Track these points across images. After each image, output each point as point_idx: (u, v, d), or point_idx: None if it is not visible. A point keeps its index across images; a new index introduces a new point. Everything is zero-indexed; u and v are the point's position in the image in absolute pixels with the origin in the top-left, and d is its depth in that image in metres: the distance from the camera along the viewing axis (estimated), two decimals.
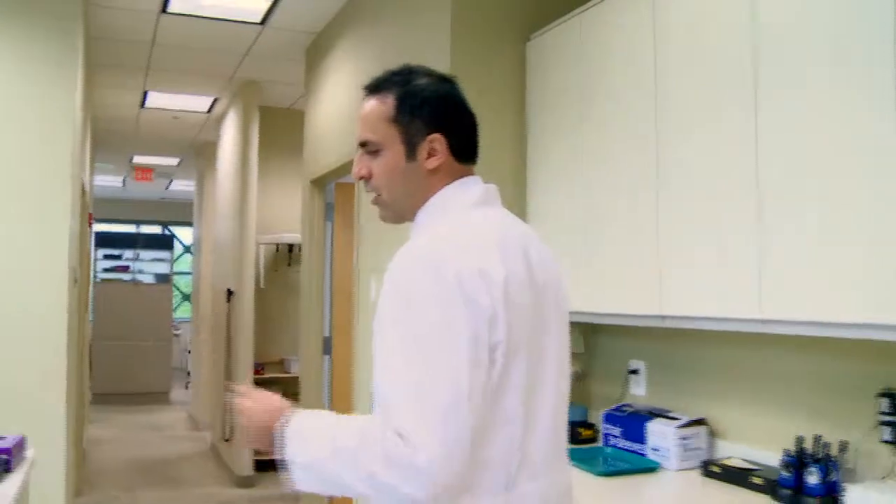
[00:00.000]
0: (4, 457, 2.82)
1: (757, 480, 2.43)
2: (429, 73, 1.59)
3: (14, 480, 2.78)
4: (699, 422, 2.82)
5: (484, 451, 1.37)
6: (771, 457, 2.53)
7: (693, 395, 2.94)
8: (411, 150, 1.53)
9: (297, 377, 6.68)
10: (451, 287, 1.34)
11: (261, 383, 7.09)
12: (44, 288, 3.98)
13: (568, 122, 3.14)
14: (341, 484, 1.36)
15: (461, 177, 1.57)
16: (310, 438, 1.40)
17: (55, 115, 4.08)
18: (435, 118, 1.53)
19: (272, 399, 1.51)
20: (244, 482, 6.62)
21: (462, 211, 1.53)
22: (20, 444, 3.02)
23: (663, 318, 2.61)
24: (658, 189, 2.61)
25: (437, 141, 1.53)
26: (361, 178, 1.58)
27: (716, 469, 2.61)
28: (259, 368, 7.10)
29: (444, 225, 1.49)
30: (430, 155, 1.53)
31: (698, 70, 2.47)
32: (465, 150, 1.58)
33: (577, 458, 2.83)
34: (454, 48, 3.41)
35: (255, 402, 1.50)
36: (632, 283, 2.74)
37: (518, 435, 1.42)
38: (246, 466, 6.66)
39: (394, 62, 4.01)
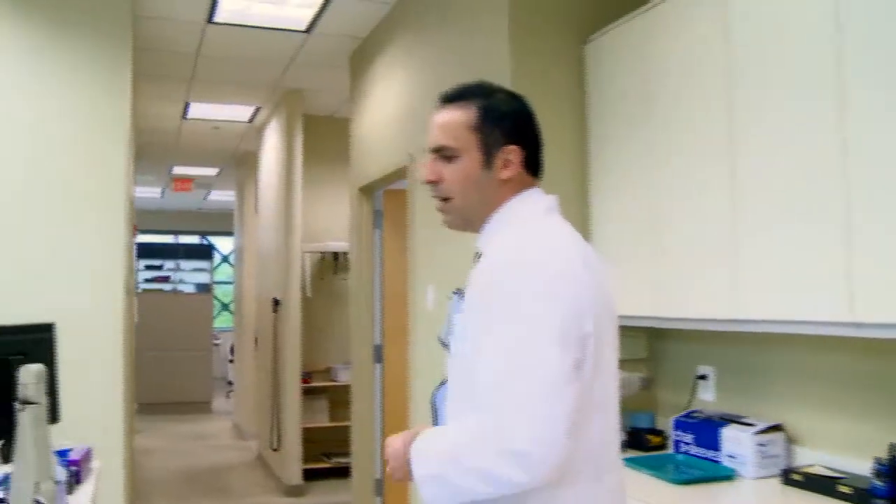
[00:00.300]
0: (74, 468, 2.83)
1: (845, 489, 2.35)
2: (503, 90, 1.70)
3: (85, 491, 2.79)
4: (776, 427, 2.75)
5: (579, 440, 1.43)
6: (857, 465, 2.45)
7: (766, 400, 2.87)
8: (488, 160, 1.61)
9: (344, 385, 6.69)
10: (544, 285, 1.44)
11: (308, 392, 7.10)
12: (101, 299, 4.00)
13: (630, 125, 3.08)
14: (465, 490, 1.41)
15: (528, 188, 1.65)
16: (430, 453, 1.48)
17: (108, 127, 4.11)
18: (513, 131, 1.62)
19: (401, 434, 1.58)
20: (293, 491, 6.61)
21: (536, 219, 1.61)
22: (87, 455, 3.03)
23: (739, 321, 2.54)
24: (732, 191, 2.55)
25: (513, 153, 1.61)
26: (431, 182, 1.64)
27: (797, 477, 2.53)
28: (306, 377, 7.10)
29: (525, 229, 1.57)
30: (504, 166, 1.61)
31: (775, 70, 2.40)
32: (534, 164, 1.67)
33: (649, 466, 2.78)
34: (513, 51, 3.37)
35: (389, 439, 1.58)
36: (703, 287, 2.68)
37: (604, 426, 1.53)
38: (295, 476, 6.65)
39: (452, 67, 4.03)
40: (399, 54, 4.79)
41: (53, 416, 2.63)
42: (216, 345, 13.66)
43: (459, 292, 1.64)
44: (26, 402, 2.29)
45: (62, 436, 3.10)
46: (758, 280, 2.46)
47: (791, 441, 2.73)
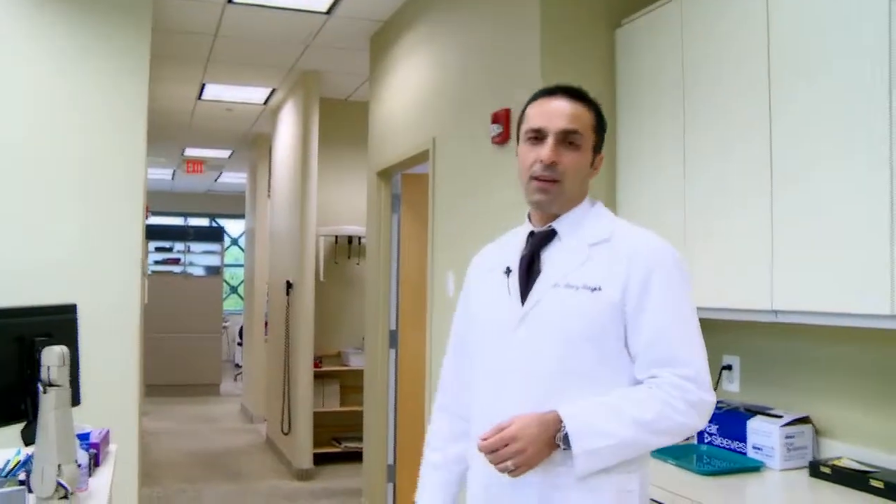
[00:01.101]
0: (94, 451, 2.81)
1: (877, 484, 2.31)
2: None
3: (104, 473, 2.77)
4: (804, 419, 2.71)
5: None
6: (888, 459, 2.41)
7: (792, 391, 2.83)
8: (592, 159, 1.82)
9: (356, 370, 6.68)
10: (690, 281, 1.79)
11: (319, 376, 7.08)
12: (120, 280, 3.98)
13: (665, 113, 3.03)
14: (645, 446, 1.69)
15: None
16: (601, 428, 1.64)
17: (127, 108, 4.08)
18: (603, 142, 1.85)
19: (525, 419, 1.65)
20: (304, 475, 6.61)
21: (615, 217, 1.89)
22: (106, 438, 3.02)
23: (776, 313, 2.50)
24: (771, 181, 2.50)
25: (600, 160, 1.85)
26: (552, 163, 1.75)
27: (826, 470, 2.50)
28: (317, 361, 7.08)
29: (637, 227, 1.84)
30: (595, 168, 1.85)
31: (817, 56, 2.35)
32: None
33: (673, 456, 2.75)
34: (543, 36, 3.31)
35: (514, 428, 1.64)
36: (740, 278, 2.63)
37: None
38: (305, 460, 6.65)
39: (479, 52, 3.97)
40: (422, 38, 4.73)
41: (76, 398, 2.60)
42: (225, 327, 13.67)
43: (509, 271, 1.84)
44: (50, 385, 2.27)
45: (82, 418, 3.09)
46: (794, 271, 2.42)
47: (819, 433, 2.70)
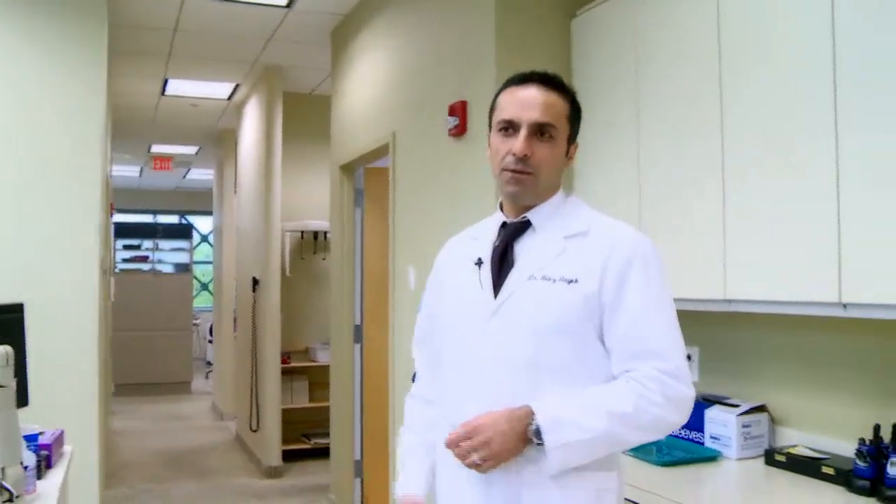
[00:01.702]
0: (45, 452, 2.76)
1: (828, 470, 2.33)
2: None
3: (56, 475, 2.72)
4: (760, 408, 2.72)
5: None
6: (840, 446, 2.43)
7: (749, 380, 2.84)
8: (567, 149, 1.77)
9: (324, 366, 6.63)
10: (666, 274, 1.74)
11: (287, 372, 7.04)
12: (74, 279, 3.92)
13: (619, 103, 3.02)
14: (620, 441, 1.64)
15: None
16: (574, 421, 1.58)
17: (83, 105, 4.01)
18: (578, 131, 1.80)
19: (493, 413, 1.61)
20: (273, 472, 6.57)
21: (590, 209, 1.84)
22: (59, 439, 2.97)
23: (729, 301, 2.50)
24: (723, 169, 2.50)
25: (575, 149, 1.81)
26: (526, 156, 1.70)
27: (780, 458, 2.51)
28: (285, 357, 7.03)
29: (613, 220, 1.79)
30: (570, 158, 1.80)
31: (766, 44, 2.35)
32: None
33: (633, 449, 2.74)
34: (498, 26, 3.29)
35: (481, 421, 1.61)
36: (693, 268, 2.63)
37: None
38: (274, 457, 6.60)
39: (435, 44, 3.95)
40: (381, 31, 4.70)
41: (23, 399, 2.55)
42: (196, 325, 13.55)
43: (480, 262, 1.78)
44: None
45: (33, 419, 3.03)
46: (746, 260, 2.42)
47: (775, 422, 2.71)
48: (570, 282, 1.66)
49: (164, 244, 12.05)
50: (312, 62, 6.33)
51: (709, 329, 3.01)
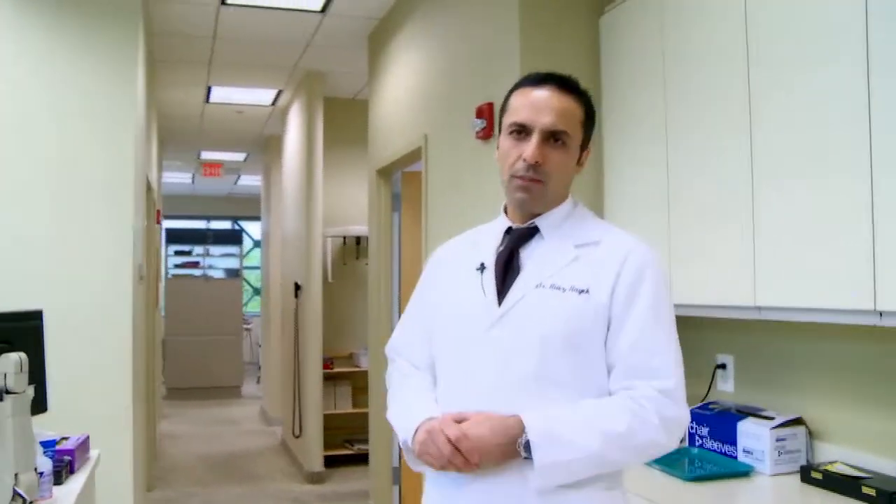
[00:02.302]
0: (68, 458, 2.76)
1: (868, 491, 2.18)
2: None
3: (77, 480, 2.71)
4: (796, 421, 2.59)
5: None
6: (883, 464, 2.29)
7: (788, 391, 2.70)
8: (579, 156, 1.70)
9: (367, 371, 6.60)
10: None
11: (330, 378, 7.03)
12: (109, 286, 3.93)
13: (648, 101, 2.91)
14: (609, 462, 1.54)
15: None
16: (567, 439, 1.50)
17: (116, 111, 4.01)
18: (591, 137, 1.72)
19: (483, 417, 1.55)
20: (315, 478, 6.56)
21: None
22: (84, 444, 2.96)
23: (759, 308, 2.38)
24: (752, 171, 2.38)
25: (587, 155, 1.73)
26: (536, 164, 1.63)
27: (817, 475, 2.37)
28: (328, 363, 7.03)
29: (623, 231, 1.72)
30: (581, 164, 1.72)
31: (795, 42, 2.23)
32: None
33: (662, 461, 2.63)
34: (523, 25, 3.21)
35: (472, 425, 1.54)
36: (722, 272, 2.52)
37: None
38: (316, 462, 6.60)
39: (461, 45, 3.88)
40: (414, 34, 4.65)
41: (41, 405, 2.55)
42: (247, 329, 13.70)
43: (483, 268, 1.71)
44: (7, 392, 2.22)
45: (63, 425, 3.05)
46: (777, 265, 2.30)
47: (813, 436, 2.57)
48: (582, 291, 1.59)
49: (215, 250, 12.20)
50: (353, 67, 6.32)
51: (744, 337, 2.89)
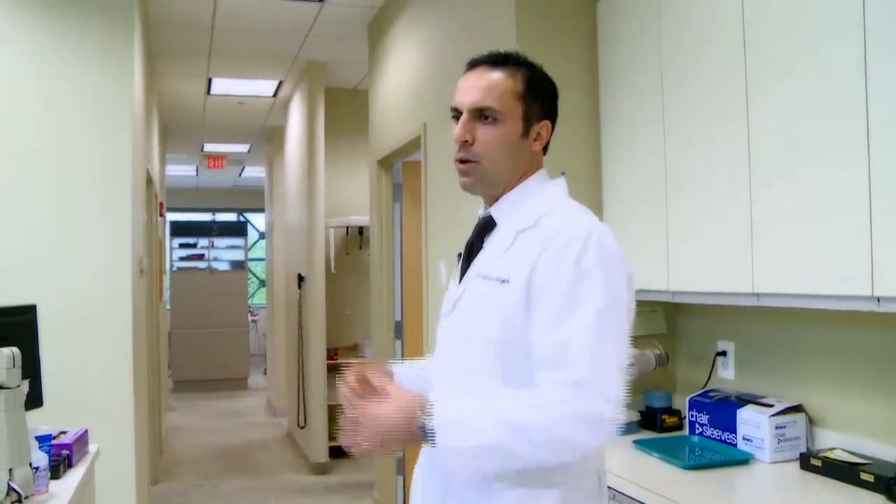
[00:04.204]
0: (65, 452, 2.76)
1: (867, 477, 2.16)
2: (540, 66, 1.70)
3: (75, 475, 2.71)
4: (796, 408, 2.56)
5: None
6: (882, 450, 2.27)
7: (788, 378, 2.68)
8: (526, 130, 1.61)
9: None
10: (621, 269, 1.51)
11: (335, 369, 7.02)
12: (108, 279, 3.92)
13: (646, 87, 2.88)
14: (518, 457, 1.40)
15: (540, 167, 1.69)
16: (470, 425, 1.41)
17: (113, 103, 4.00)
18: (549, 108, 1.66)
19: (391, 393, 1.50)
20: (320, 469, 6.57)
21: (570, 200, 1.65)
22: (82, 439, 2.96)
23: (757, 295, 2.35)
24: (750, 158, 2.34)
25: (545, 128, 1.65)
26: (465, 143, 1.60)
27: (816, 462, 2.35)
28: (332, 354, 7.03)
29: (577, 208, 1.61)
30: (535, 139, 1.64)
31: (793, 29, 2.19)
32: (548, 144, 1.70)
33: (661, 449, 2.62)
34: (519, 11, 3.18)
35: (377, 401, 1.49)
36: (720, 259, 2.49)
37: None
38: (321, 453, 6.60)
39: (457, 32, 3.84)
40: (412, 22, 4.62)
41: (36, 400, 2.55)
42: (254, 321, 13.72)
43: (460, 256, 1.73)
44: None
45: (62, 419, 3.04)
46: (775, 252, 2.27)
47: (813, 423, 2.55)
48: (503, 282, 1.53)
49: (220, 242, 12.20)
50: (354, 57, 6.28)
51: (744, 324, 2.86)
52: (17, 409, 2.26)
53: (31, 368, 2.47)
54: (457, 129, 1.60)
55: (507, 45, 3.19)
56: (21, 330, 2.51)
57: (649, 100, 2.84)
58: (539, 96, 1.62)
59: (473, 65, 1.66)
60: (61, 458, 2.69)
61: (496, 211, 1.65)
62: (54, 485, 2.54)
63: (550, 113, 1.66)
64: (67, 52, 3.92)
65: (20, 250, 3.78)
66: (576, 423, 1.37)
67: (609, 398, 1.38)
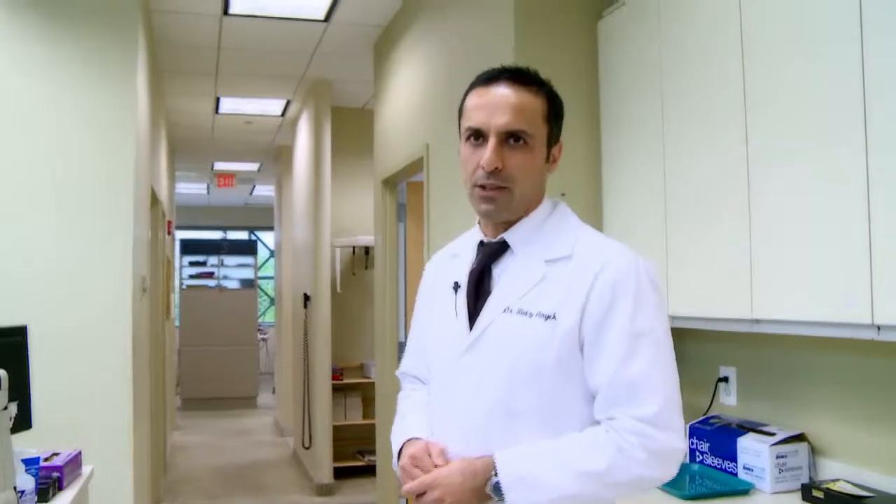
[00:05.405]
0: (56, 475, 2.73)
1: None
2: None
3: (64, 498, 2.67)
4: (798, 437, 2.50)
5: None
6: (889, 483, 2.20)
7: (791, 406, 2.61)
8: (548, 153, 1.56)
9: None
10: (662, 298, 1.52)
11: (340, 389, 6.98)
12: (108, 297, 3.88)
13: (646, 107, 2.84)
14: (592, 499, 1.42)
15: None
16: (541, 480, 1.41)
17: (115, 122, 3.97)
18: (561, 129, 1.59)
19: (451, 466, 1.49)
20: (324, 490, 6.51)
21: (579, 221, 1.61)
22: (75, 461, 2.93)
23: (756, 321, 2.30)
24: (749, 179, 2.29)
25: (559, 150, 1.59)
26: (496, 170, 1.49)
27: (818, 494, 2.28)
28: (338, 373, 6.98)
29: (603, 238, 1.58)
30: (553, 162, 1.59)
31: (789, 42, 2.16)
32: None
33: None
34: (518, 31, 3.16)
35: (434, 475, 1.48)
36: (719, 284, 2.44)
37: None
38: (325, 474, 6.55)
39: (457, 51, 3.83)
40: (416, 42, 4.61)
41: (25, 422, 2.51)
42: (263, 340, 13.69)
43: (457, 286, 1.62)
44: None
45: (58, 440, 3.01)
46: (776, 278, 2.21)
47: (816, 453, 2.48)
48: (548, 318, 1.46)
49: (230, 260, 12.18)
50: (361, 76, 6.28)
51: (746, 349, 2.80)
52: (3, 432, 2.23)
53: (20, 390, 2.44)
54: (488, 155, 1.47)
55: (505, 62, 3.17)
56: (11, 352, 2.48)
57: (649, 118, 2.80)
58: (558, 118, 1.57)
59: (490, 79, 1.54)
60: (50, 482, 2.65)
61: (512, 237, 1.55)
62: None
63: (560, 134, 1.59)
64: (69, 68, 3.91)
65: (19, 268, 3.75)
66: (652, 461, 1.40)
67: (678, 429, 1.43)
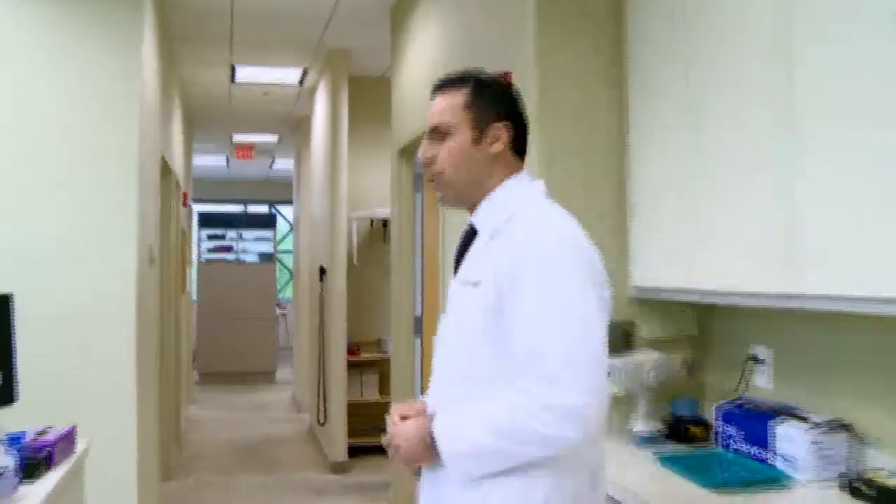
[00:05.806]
0: (47, 451, 2.59)
1: None
2: (493, 73, 1.79)
3: (54, 476, 2.54)
4: (839, 424, 2.29)
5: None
6: None
7: (831, 389, 2.40)
8: (479, 135, 1.69)
9: None
10: (585, 260, 1.59)
11: (357, 365, 6.84)
12: (111, 267, 3.74)
13: (675, 68, 2.63)
14: (510, 456, 1.54)
15: (518, 170, 1.75)
16: (460, 431, 1.58)
17: (120, 90, 3.82)
18: (502, 109, 1.71)
19: (409, 421, 1.69)
20: (338, 468, 6.39)
21: (543, 199, 1.71)
22: (68, 437, 2.79)
23: (793, 297, 2.09)
24: (789, 149, 2.09)
25: (502, 129, 1.71)
26: (426, 163, 1.73)
27: (859, 485, 2.09)
28: (354, 349, 6.84)
29: (546, 211, 1.66)
30: (493, 141, 1.70)
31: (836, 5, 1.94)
32: (520, 146, 1.76)
33: (686, 465, 2.37)
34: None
35: (403, 426, 1.69)
36: (754, 256, 2.24)
37: None
38: (340, 452, 6.42)
39: (477, 17, 3.62)
40: (434, 7, 4.41)
41: (7, 396, 2.38)
42: (283, 314, 13.60)
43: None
44: None
45: (60, 416, 2.88)
46: (816, 249, 2.01)
47: (858, 440, 2.27)
48: (475, 285, 1.63)
49: (248, 234, 12.07)
50: (378, 44, 6.07)
51: (785, 328, 2.59)
52: None
53: (4, 362, 2.30)
54: (420, 150, 1.69)
55: (526, 33, 2.99)
56: None
57: (677, 77, 2.59)
58: (488, 101, 1.70)
59: (432, 96, 1.78)
60: (37, 459, 2.51)
61: (476, 219, 1.73)
62: (28, 488, 2.37)
63: (506, 114, 1.71)
64: (72, 32, 3.76)
65: (19, 237, 3.62)
66: (554, 418, 1.46)
67: (585, 390, 1.47)
